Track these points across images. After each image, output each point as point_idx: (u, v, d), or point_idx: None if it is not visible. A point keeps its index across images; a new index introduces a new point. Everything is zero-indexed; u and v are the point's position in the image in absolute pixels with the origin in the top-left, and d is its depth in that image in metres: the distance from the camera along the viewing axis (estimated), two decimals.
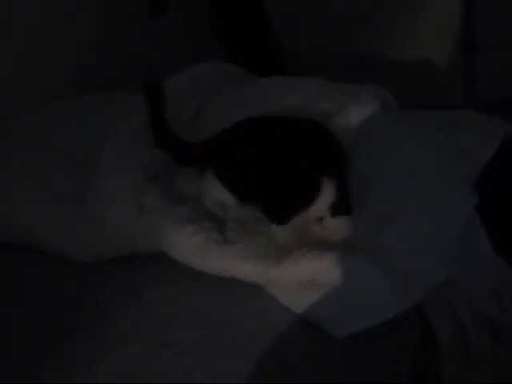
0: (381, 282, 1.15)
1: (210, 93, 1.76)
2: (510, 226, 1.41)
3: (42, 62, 1.93)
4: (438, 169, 1.35)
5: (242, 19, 2.51)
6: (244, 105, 1.66)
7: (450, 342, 1.26)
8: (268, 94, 1.68)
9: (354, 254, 1.19)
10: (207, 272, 1.31)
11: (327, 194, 1.26)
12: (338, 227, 1.29)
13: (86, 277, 1.41)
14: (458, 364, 1.28)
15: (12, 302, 1.36)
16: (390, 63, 2.51)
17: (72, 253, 1.47)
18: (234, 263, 1.28)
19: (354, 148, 1.40)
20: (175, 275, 1.35)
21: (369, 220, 1.28)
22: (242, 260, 1.27)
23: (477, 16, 2.39)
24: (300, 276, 1.21)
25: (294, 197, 1.26)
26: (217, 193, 1.43)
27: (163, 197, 1.46)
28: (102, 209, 1.48)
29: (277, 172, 1.29)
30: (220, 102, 1.72)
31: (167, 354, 1.15)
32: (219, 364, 1.11)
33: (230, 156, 1.44)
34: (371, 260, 1.17)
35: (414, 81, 2.44)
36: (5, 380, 1.11)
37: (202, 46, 2.45)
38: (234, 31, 2.52)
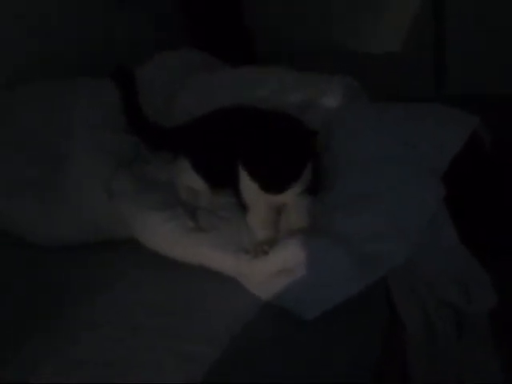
0: (343, 260, 1.18)
1: (181, 80, 1.75)
2: (476, 218, 1.44)
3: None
4: (407, 160, 1.37)
5: (213, 7, 2.48)
6: (215, 94, 1.66)
7: (416, 331, 1.28)
8: (239, 84, 1.68)
9: (318, 237, 1.21)
10: (177, 259, 1.31)
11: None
12: (300, 212, 1.29)
13: (56, 263, 1.40)
14: (423, 352, 1.30)
15: None
16: (361, 58, 2.52)
17: (39, 239, 1.45)
18: (205, 253, 1.28)
19: (324, 137, 1.40)
20: (146, 262, 1.35)
21: (334, 205, 1.30)
22: (214, 250, 1.27)
23: (446, 12, 2.41)
24: (271, 269, 1.21)
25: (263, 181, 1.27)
26: (188, 179, 1.43)
27: (134, 183, 1.45)
28: (69, 195, 1.47)
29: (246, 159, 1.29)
30: (191, 90, 1.72)
31: (137, 340, 1.15)
32: (189, 349, 1.11)
33: (202, 142, 1.44)
34: (334, 241, 1.20)
35: (385, 76, 2.46)
36: None
37: (171, 33, 2.42)
38: (204, 19, 2.49)
